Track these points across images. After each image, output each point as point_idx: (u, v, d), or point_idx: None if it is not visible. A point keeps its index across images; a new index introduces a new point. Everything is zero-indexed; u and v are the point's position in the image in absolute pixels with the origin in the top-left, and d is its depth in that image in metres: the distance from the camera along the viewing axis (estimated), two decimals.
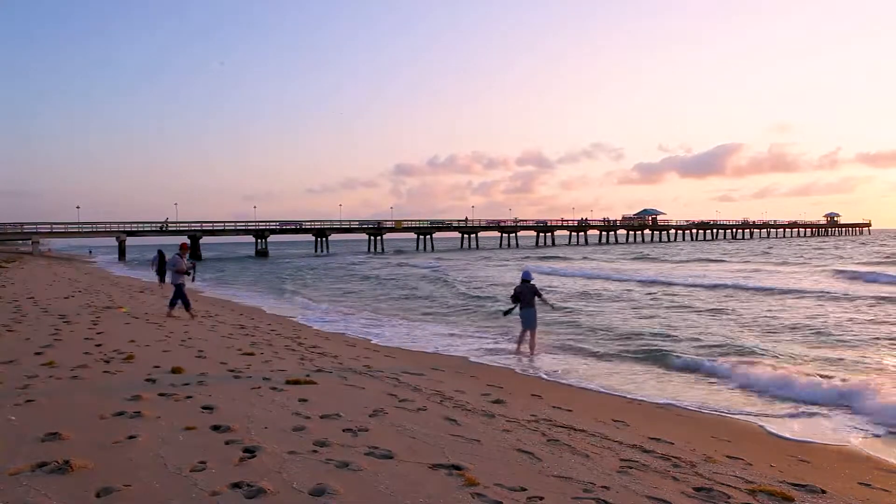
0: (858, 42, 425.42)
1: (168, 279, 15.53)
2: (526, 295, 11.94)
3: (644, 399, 8.47)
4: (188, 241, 15.96)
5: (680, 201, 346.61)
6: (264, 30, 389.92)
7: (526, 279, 12.13)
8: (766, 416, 7.61)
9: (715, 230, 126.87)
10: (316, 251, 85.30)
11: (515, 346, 12.09)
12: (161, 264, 28.10)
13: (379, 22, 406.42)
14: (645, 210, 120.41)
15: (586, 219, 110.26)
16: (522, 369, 10.50)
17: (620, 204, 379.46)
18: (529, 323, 11.87)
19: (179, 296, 15.08)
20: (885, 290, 22.75)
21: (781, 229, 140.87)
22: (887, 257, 44.61)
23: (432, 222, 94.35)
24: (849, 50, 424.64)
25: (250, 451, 4.76)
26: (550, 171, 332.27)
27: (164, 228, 74.97)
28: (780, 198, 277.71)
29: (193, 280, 15.88)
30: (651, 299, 21.65)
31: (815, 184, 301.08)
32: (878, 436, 6.79)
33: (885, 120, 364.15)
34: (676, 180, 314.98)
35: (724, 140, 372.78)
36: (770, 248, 72.64)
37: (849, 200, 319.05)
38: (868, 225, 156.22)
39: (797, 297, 21.12)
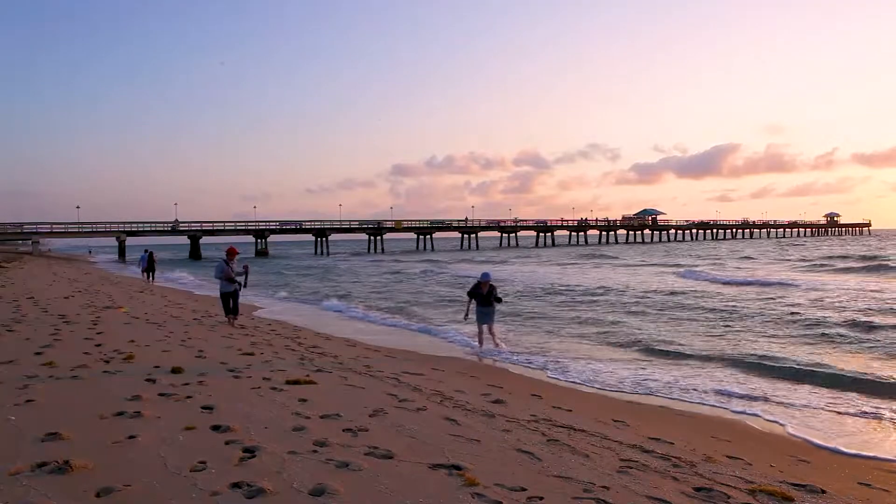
0: (852, 42, 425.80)
1: (219, 288, 14.23)
2: (482, 293, 12.28)
3: (644, 399, 8.48)
4: (235, 247, 14.34)
5: (678, 201, 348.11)
6: (264, 30, 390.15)
7: (485, 279, 12.34)
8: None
9: (715, 230, 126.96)
10: (316, 251, 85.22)
11: (478, 344, 12.48)
12: (150, 263, 30.82)
13: (375, 23, 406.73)
14: (645, 210, 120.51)
15: (586, 219, 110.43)
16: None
17: (619, 204, 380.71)
18: (486, 318, 12.34)
19: (232, 302, 13.98)
20: (684, 285, 27.04)
21: (781, 229, 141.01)
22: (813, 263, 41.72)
23: (432, 222, 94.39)
24: (842, 51, 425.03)
25: (250, 451, 4.76)
26: (548, 171, 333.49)
27: (174, 228, 75.66)
28: (778, 198, 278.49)
29: (245, 286, 14.17)
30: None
31: (813, 184, 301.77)
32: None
33: (880, 120, 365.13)
34: (673, 180, 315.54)
35: (719, 141, 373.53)
36: (738, 248, 73.39)
37: (847, 200, 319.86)
38: (868, 225, 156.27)
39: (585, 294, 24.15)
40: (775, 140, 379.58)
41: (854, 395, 8.48)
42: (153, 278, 31.00)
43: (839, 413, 7.63)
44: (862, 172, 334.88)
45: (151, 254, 31.33)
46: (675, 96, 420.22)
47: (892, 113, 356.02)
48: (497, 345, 12.30)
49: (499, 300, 12.50)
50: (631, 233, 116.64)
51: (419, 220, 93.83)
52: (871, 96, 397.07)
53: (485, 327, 12.37)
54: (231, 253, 14.01)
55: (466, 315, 12.67)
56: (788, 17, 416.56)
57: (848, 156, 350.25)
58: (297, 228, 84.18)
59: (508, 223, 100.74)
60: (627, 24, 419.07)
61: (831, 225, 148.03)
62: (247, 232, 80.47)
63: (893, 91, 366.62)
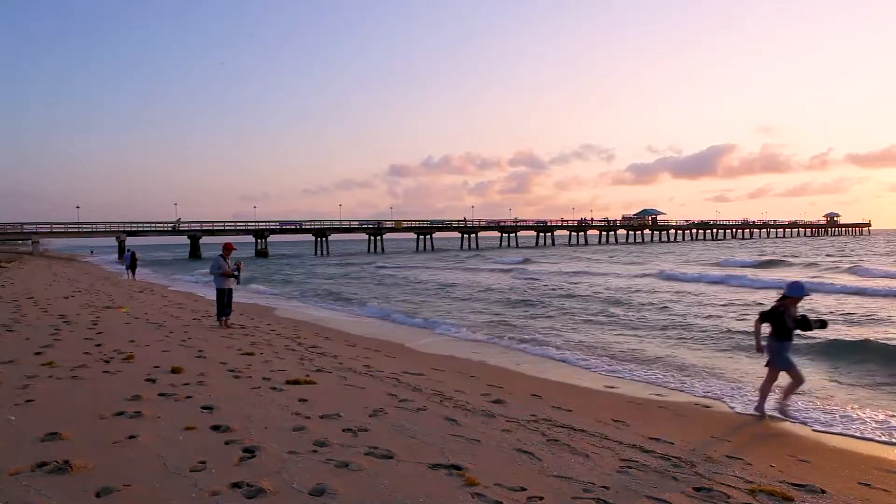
0: (845, 44, 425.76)
1: (215, 284, 13.87)
2: (791, 320, 7.38)
3: (644, 399, 8.47)
4: (231, 242, 14.12)
5: (676, 201, 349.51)
6: (264, 30, 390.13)
7: (798, 294, 7.40)
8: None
9: (715, 230, 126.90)
10: (315, 251, 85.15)
11: (759, 400, 7.61)
12: (132, 262, 35.00)
13: (373, 25, 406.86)
14: (645, 210, 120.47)
15: (585, 219, 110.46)
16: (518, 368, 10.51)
17: (616, 204, 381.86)
18: (790, 359, 7.43)
19: (225, 303, 13.56)
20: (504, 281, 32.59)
21: (781, 229, 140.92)
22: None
23: (432, 222, 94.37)
24: (836, 52, 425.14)
25: (250, 451, 4.76)
26: (544, 171, 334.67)
27: (175, 228, 75.69)
28: (775, 198, 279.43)
29: (239, 283, 13.95)
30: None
31: (810, 184, 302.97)
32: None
33: (874, 121, 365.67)
34: (670, 181, 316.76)
35: (713, 141, 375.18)
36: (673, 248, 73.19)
37: (844, 201, 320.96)
38: (868, 225, 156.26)
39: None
40: (770, 140, 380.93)
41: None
42: (134, 275, 35.18)
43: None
44: (856, 173, 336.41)
45: (133, 253, 35.55)
46: (668, 97, 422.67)
47: (885, 114, 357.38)
48: (786, 400, 7.50)
49: (823, 324, 7.55)
50: (631, 233, 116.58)
51: (419, 220, 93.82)
52: (865, 97, 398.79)
53: (783, 374, 7.43)
54: (227, 248, 13.83)
55: (759, 346, 7.55)
56: (782, 18, 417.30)
57: (842, 156, 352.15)
58: (297, 228, 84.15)
59: (508, 223, 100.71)
60: (621, 25, 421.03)
61: (831, 225, 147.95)
62: (247, 232, 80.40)
63: (887, 92, 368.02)
